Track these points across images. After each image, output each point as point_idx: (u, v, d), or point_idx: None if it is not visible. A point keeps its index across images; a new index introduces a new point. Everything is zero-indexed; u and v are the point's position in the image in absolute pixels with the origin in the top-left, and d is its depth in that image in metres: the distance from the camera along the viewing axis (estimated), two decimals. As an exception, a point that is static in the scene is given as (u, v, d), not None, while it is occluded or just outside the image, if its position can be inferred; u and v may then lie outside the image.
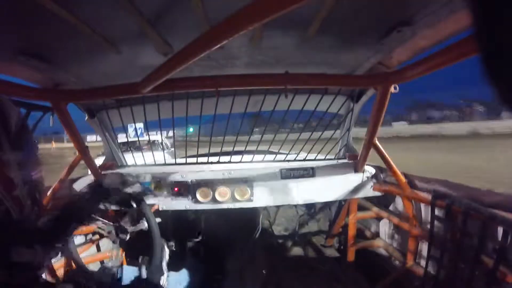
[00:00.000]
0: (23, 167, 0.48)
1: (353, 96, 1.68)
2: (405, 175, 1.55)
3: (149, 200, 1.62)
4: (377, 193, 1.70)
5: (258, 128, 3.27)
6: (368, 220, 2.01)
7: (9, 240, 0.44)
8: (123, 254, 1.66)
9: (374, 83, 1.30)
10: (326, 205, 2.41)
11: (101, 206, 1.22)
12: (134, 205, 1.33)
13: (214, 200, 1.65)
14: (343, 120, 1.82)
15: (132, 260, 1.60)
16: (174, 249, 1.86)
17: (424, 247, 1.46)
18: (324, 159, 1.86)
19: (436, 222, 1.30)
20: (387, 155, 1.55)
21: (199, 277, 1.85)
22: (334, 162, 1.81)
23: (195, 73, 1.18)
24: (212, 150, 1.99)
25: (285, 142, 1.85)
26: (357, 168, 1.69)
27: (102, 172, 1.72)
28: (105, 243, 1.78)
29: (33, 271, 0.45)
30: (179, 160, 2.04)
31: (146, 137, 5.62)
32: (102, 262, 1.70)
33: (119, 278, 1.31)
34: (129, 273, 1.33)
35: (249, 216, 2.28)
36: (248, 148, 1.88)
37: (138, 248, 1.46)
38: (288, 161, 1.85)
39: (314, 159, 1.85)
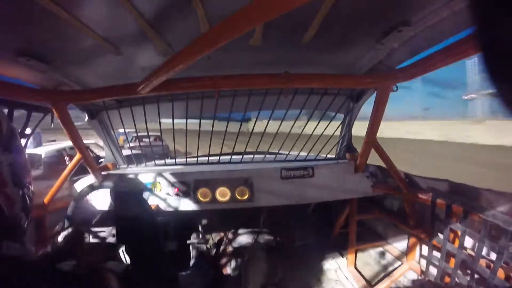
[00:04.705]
0: (12, 169, 0.50)
1: (353, 96, 1.68)
2: (405, 175, 1.55)
3: (150, 201, 1.63)
4: (377, 193, 1.70)
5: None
6: (368, 220, 2.01)
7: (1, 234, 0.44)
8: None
9: (374, 83, 1.30)
10: (326, 205, 2.41)
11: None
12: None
13: (214, 200, 1.65)
14: (343, 120, 1.82)
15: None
16: (175, 250, 1.86)
17: (424, 247, 1.45)
18: (324, 159, 1.86)
19: (436, 222, 1.30)
20: (387, 155, 1.55)
21: (200, 277, 1.84)
22: (334, 162, 1.81)
23: (195, 73, 1.18)
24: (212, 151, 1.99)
25: (285, 142, 1.85)
26: (357, 168, 1.69)
27: (102, 173, 1.72)
28: None
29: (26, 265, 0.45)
30: (179, 161, 2.04)
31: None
32: None
33: None
34: None
35: (249, 216, 2.28)
36: (248, 149, 1.88)
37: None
38: (288, 161, 1.85)
39: (314, 159, 1.85)
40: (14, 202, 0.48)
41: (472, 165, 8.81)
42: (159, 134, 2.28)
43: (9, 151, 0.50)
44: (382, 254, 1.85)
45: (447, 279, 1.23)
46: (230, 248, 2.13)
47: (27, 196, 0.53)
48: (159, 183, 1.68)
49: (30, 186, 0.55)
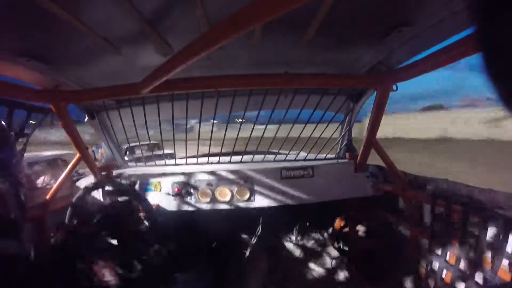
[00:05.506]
0: (3, 167, 0.49)
1: (353, 96, 1.68)
2: (406, 175, 1.55)
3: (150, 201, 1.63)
4: (377, 193, 1.70)
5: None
6: (368, 220, 2.01)
7: None
8: None
9: (374, 83, 1.30)
10: (326, 205, 2.41)
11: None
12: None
13: (214, 200, 1.65)
14: (343, 120, 1.82)
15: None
16: (175, 250, 1.86)
17: (424, 247, 1.45)
18: (324, 159, 1.86)
19: (436, 222, 1.30)
20: (387, 155, 1.55)
21: (201, 277, 1.84)
22: (334, 162, 1.81)
23: (195, 73, 1.18)
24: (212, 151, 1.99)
25: (285, 142, 1.86)
26: (357, 167, 1.69)
27: (102, 173, 1.72)
28: None
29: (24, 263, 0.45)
30: (179, 161, 2.04)
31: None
32: None
33: None
34: None
35: (249, 216, 2.28)
36: (248, 148, 1.88)
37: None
38: (288, 161, 1.85)
39: (314, 159, 1.85)
40: (6, 201, 0.47)
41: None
42: (155, 142, 2.23)
43: None
44: (382, 254, 1.85)
45: (447, 279, 1.23)
46: (230, 248, 2.13)
47: (22, 194, 0.53)
48: (159, 183, 1.68)
49: (25, 185, 0.55)
